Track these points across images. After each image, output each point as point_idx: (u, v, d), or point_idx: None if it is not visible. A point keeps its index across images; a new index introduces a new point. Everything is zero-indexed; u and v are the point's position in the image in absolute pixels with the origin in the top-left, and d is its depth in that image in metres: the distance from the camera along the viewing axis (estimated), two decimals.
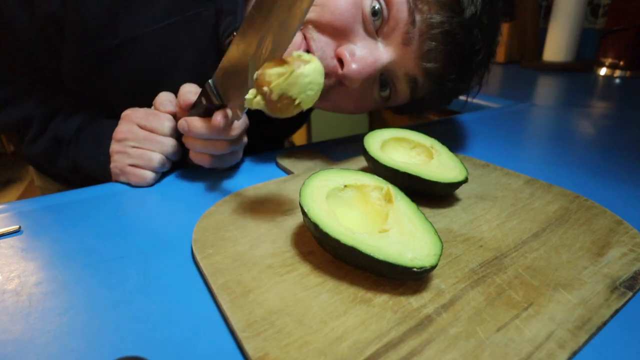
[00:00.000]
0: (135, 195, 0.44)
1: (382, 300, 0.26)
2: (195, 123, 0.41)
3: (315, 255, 0.31)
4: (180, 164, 0.49)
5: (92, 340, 0.25)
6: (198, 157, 0.45)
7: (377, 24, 0.44)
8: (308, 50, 0.44)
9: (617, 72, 1.07)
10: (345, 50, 0.43)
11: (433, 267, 0.26)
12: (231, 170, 0.49)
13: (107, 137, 0.47)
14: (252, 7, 0.35)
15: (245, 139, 0.48)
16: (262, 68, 0.31)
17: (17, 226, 0.37)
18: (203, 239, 0.33)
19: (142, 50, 0.49)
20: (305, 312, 0.25)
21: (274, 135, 0.76)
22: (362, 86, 0.46)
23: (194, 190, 0.45)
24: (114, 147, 0.46)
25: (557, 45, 1.18)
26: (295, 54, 0.31)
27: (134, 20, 0.47)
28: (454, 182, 0.37)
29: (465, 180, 0.37)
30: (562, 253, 0.30)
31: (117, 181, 0.47)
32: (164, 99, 0.46)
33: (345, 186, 0.33)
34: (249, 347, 0.23)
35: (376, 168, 0.40)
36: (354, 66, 0.43)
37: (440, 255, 0.27)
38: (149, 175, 0.45)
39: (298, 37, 0.44)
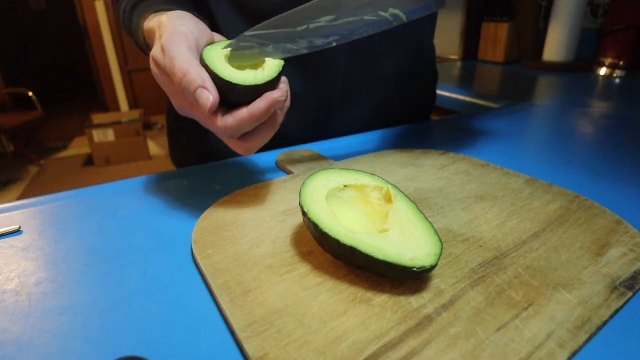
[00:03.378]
0: (135, 195, 0.44)
1: (382, 300, 0.26)
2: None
3: (315, 255, 0.31)
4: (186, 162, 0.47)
5: (92, 340, 0.25)
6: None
7: None
8: None
9: (617, 72, 1.07)
10: None
11: (433, 267, 0.26)
12: (231, 170, 0.49)
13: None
14: None
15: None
16: None
17: (17, 226, 0.37)
18: (203, 239, 0.33)
19: None
20: (305, 313, 0.25)
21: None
22: None
23: (194, 190, 0.45)
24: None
25: (557, 45, 1.18)
26: None
27: None
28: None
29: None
30: (562, 253, 0.30)
31: None
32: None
33: (345, 186, 0.33)
34: (249, 347, 0.23)
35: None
36: None
37: (440, 255, 0.27)
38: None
39: None
